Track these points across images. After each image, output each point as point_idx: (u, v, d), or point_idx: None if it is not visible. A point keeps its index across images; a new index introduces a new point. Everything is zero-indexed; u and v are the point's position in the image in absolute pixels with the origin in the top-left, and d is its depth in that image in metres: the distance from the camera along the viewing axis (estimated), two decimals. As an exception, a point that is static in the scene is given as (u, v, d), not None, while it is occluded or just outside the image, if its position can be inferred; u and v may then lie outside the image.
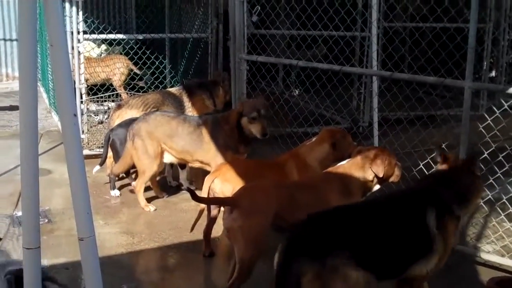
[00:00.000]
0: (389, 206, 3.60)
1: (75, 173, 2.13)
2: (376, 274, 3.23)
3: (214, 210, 4.80)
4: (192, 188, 6.02)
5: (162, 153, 5.86)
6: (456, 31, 6.41)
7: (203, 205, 4.81)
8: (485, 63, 9.42)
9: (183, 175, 6.58)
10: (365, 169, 4.30)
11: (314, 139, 5.12)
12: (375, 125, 6.72)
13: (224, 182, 4.77)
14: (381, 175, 4.24)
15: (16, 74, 11.46)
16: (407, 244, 3.41)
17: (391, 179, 4.38)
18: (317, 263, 3.09)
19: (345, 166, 4.42)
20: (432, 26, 7.89)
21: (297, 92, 8.89)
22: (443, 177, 3.74)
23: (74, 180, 2.12)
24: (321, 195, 4.24)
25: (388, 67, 6.44)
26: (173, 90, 7.39)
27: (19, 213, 5.87)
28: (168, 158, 5.95)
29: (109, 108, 8.63)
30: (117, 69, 9.19)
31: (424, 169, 5.03)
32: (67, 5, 7.19)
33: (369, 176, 4.29)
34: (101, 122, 8.33)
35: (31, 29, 2.08)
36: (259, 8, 6.83)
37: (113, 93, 8.73)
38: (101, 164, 6.33)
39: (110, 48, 10.06)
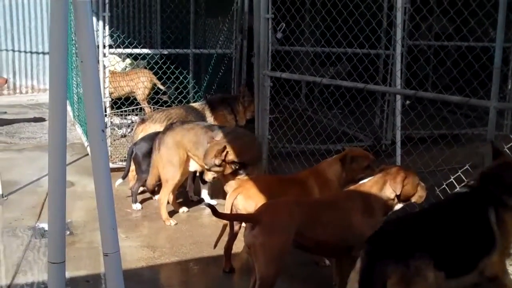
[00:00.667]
0: (455, 208, 3.78)
1: (102, 189, 2.14)
2: (447, 273, 3.41)
3: (235, 226, 4.81)
4: (214, 203, 6.04)
5: (187, 161, 5.92)
6: (481, 51, 6.37)
7: (225, 221, 4.81)
8: (510, 82, 9.33)
9: (204, 190, 6.59)
10: (385, 187, 4.28)
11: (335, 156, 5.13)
12: (398, 144, 6.68)
13: (247, 199, 4.78)
14: (398, 192, 4.21)
15: (41, 86, 11.63)
16: (475, 241, 3.61)
17: (413, 199, 4.35)
18: (401, 265, 3.25)
19: (366, 184, 4.39)
20: (457, 45, 7.84)
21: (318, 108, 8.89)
22: (495, 173, 3.89)
23: (100, 196, 2.13)
24: (342, 213, 4.23)
25: (412, 85, 6.42)
26: (196, 105, 7.42)
27: (42, 225, 5.92)
28: (194, 166, 6.01)
29: (132, 122, 8.69)
30: (141, 83, 9.26)
31: (448, 189, 4.99)
32: (93, 19, 7.27)
33: (390, 194, 4.26)
34: (124, 136, 8.39)
35: (62, 43, 2.10)
36: (284, 25, 6.85)
37: (137, 107, 8.80)
38: (124, 177, 6.37)
39: (135, 63, 10.15)
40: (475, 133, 7.98)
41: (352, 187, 4.62)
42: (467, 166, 4.92)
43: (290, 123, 6.60)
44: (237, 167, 5.52)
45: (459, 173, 4.75)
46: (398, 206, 4.35)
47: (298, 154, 6.54)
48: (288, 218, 4.05)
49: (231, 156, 5.42)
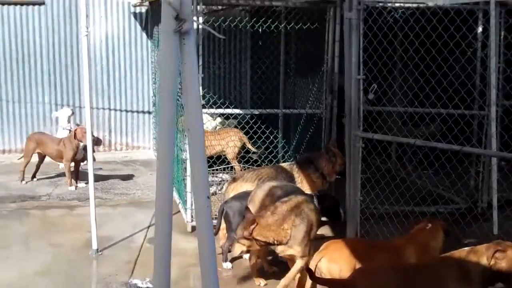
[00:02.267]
0: None
1: (206, 254, 2.16)
2: None
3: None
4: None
5: None
6: None
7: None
8: None
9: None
10: (486, 258, 4.11)
11: (430, 224, 5.00)
12: (495, 208, 6.43)
13: (331, 262, 4.71)
14: (489, 262, 4.03)
15: (135, 144, 12.03)
16: None
17: None
18: None
19: (465, 251, 4.25)
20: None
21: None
22: None
23: (204, 263, 2.15)
24: (439, 280, 4.10)
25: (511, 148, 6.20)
26: (285, 165, 7.46)
27: (135, 281, 6.03)
28: None
29: (222, 180, 8.80)
30: (232, 142, 9.41)
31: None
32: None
33: (493, 267, 4.08)
34: (214, 194, 8.49)
35: (171, 106, 2.17)
36: (376, 86, 6.83)
37: (227, 165, 8.92)
38: (214, 235, 6.40)
39: (226, 122, 10.35)
40: None
41: (448, 254, 4.48)
42: None
43: (382, 184, 6.49)
44: (262, 244, 5.32)
45: None
46: (499, 285, 4.17)
47: (392, 216, 6.40)
48: (385, 285, 3.95)
49: (256, 233, 5.23)
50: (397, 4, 7.08)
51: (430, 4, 6.80)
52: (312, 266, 4.73)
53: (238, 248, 5.39)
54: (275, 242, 5.27)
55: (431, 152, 6.57)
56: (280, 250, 5.39)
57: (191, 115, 2.17)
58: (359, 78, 6.25)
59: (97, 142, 9.25)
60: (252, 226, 5.18)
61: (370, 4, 6.47)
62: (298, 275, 5.42)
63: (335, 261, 4.69)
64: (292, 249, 5.33)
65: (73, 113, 10.89)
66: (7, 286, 5.99)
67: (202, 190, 2.15)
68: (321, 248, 5.10)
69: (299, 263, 5.37)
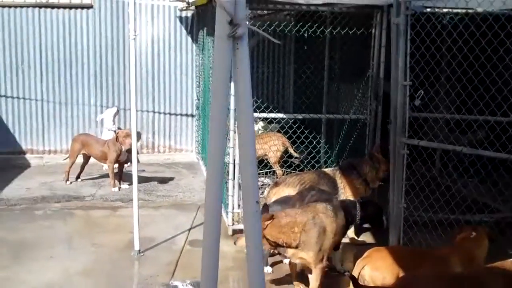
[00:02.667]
0: None
1: (254, 258, 2.15)
2: None
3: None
4: (343, 270, 5.94)
5: None
6: None
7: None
8: None
9: (336, 257, 6.49)
10: None
11: (475, 232, 4.91)
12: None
13: (374, 271, 4.66)
14: None
15: (177, 146, 12.11)
16: None
17: None
18: None
19: (510, 262, 4.16)
20: None
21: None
22: None
23: (252, 266, 2.14)
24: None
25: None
26: (328, 170, 7.42)
27: (176, 283, 6.07)
28: None
29: (263, 184, 8.81)
30: (274, 147, 9.41)
31: None
32: (232, 84, 7.50)
33: None
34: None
35: (222, 109, 2.17)
36: (422, 92, 6.74)
37: (270, 170, 8.92)
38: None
39: (269, 126, 10.35)
40: None
41: (494, 264, 4.41)
42: None
43: (427, 192, 6.40)
44: (272, 244, 5.33)
45: None
46: None
47: (436, 224, 6.30)
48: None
49: (267, 231, 5.24)
50: (445, 10, 6.98)
51: (479, 9, 6.68)
52: (355, 273, 4.69)
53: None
54: (285, 244, 5.29)
55: (478, 160, 6.45)
56: (291, 253, 5.41)
57: (243, 120, 2.17)
58: (405, 84, 6.19)
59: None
60: (267, 223, 5.21)
61: (418, 10, 6.39)
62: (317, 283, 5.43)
63: (379, 269, 4.64)
64: (303, 253, 5.34)
65: (118, 111, 11.05)
66: (50, 285, 6.10)
67: (251, 194, 2.14)
68: (364, 255, 5.05)
69: (315, 273, 5.40)
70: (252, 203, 2.13)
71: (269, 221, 5.23)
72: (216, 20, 2.14)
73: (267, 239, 5.24)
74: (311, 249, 5.32)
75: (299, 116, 8.43)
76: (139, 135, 9.66)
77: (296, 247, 5.31)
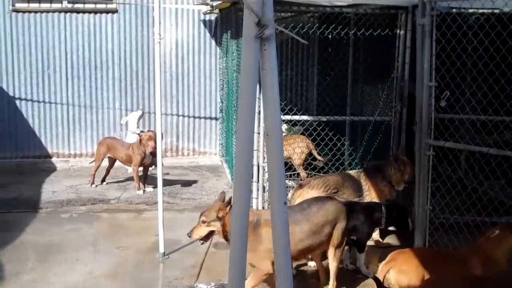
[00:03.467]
0: None
1: (282, 259, 2.14)
2: None
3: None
4: (368, 272, 5.91)
5: None
6: None
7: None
8: None
9: (361, 260, 6.46)
10: None
11: (497, 232, 4.85)
12: None
13: (400, 274, 4.63)
14: None
15: (201, 149, 12.15)
16: None
17: None
18: None
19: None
20: None
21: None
22: None
23: (279, 266, 2.14)
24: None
25: None
26: (353, 172, 7.38)
27: (200, 285, 6.09)
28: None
29: (287, 187, 8.79)
30: (298, 149, 9.39)
31: None
32: (256, 86, 7.51)
33: None
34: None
35: (250, 111, 2.17)
36: (448, 93, 6.67)
37: (293, 172, 8.90)
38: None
39: (293, 129, 10.34)
40: None
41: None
42: None
43: (453, 193, 6.33)
44: (227, 233, 5.28)
45: None
46: None
47: (462, 226, 6.24)
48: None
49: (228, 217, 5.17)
50: (471, 10, 6.92)
51: (506, 9, 6.61)
52: (380, 276, 4.66)
53: (202, 231, 5.43)
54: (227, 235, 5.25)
55: (504, 161, 6.37)
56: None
57: (270, 120, 2.17)
58: (431, 85, 6.14)
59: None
60: (226, 207, 5.23)
61: (443, 10, 6.34)
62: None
63: (404, 272, 4.61)
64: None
65: (143, 114, 11.10)
66: (76, 287, 6.15)
67: (279, 196, 2.14)
68: (388, 258, 5.02)
69: (255, 273, 5.28)
70: (280, 204, 2.13)
71: (228, 207, 5.25)
72: (244, 21, 2.15)
73: (225, 226, 5.26)
74: (253, 252, 5.12)
75: (323, 118, 8.40)
76: (161, 136, 9.70)
77: None
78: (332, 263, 5.59)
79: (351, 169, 8.36)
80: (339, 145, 8.47)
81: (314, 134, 8.38)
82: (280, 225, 2.13)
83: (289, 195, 7.60)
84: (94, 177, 9.99)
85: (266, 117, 2.17)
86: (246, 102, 2.15)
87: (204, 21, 11.93)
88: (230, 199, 5.21)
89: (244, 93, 2.17)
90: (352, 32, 8.68)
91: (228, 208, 5.21)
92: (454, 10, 6.64)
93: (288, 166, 9.03)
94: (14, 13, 11.35)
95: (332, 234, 5.54)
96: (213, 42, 12.00)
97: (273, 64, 2.18)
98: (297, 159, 9.40)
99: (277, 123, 2.16)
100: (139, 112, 11.04)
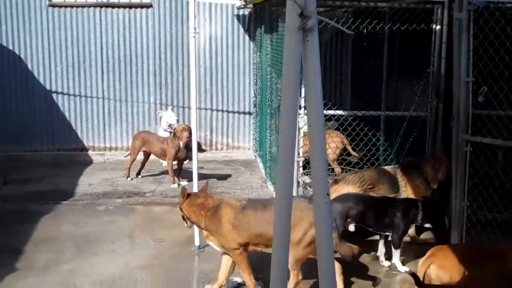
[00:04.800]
0: None
1: (324, 248, 2.15)
2: None
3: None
4: (406, 270, 5.86)
5: None
6: None
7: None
8: None
9: (396, 256, 6.42)
10: None
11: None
12: None
13: (441, 269, 4.60)
14: None
15: (235, 144, 12.19)
16: None
17: None
18: None
19: None
20: None
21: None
22: None
23: (322, 254, 2.14)
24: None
25: None
26: (389, 168, 7.34)
27: (235, 278, 6.11)
28: None
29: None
30: (333, 144, 9.36)
31: None
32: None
33: None
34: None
35: (293, 103, 2.17)
36: (486, 88, 6.58)
37: (329, 167, 8.86)
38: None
39: (328, 124, 10.29)
40: None
41: None
42: None
43: (491, 190, 6.25)
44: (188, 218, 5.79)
45: None
46: None
47: (500, 224, 6.15)
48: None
49: (184, 206, 5.73)
50: (509, 4, 6.80)
51: (546, 3, 6.49)
52: (420, 272, 4.63)
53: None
54: (196, 223, 5.76)
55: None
56: (205, 234, 5.78)
57: (313, 112, 2.17)
58: (468, 81, 6.07)
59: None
60: (182, 199, 5.71)
61: (480, 5, 6.25)
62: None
63: (445, 267, 4.57)
64: (212, 237, 5.69)
65: (177, 121, 11.03)
66: (112, 279, 6.23)
67: (322, 187, 2.14)
68: (428, 254, 4.98)
69: (234, 260, 5.72)
70: (322, 195, 2.14)
71: (183, 198, 5.70)
72: (286, 12, 2.15)
73: (183, 214, 5.75)
74: (217, 236, 5.61)
75: (359, 113, 8.35)
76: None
77: (205, 229, 5.71)
78: None
79: (386, 165, 8.30)
80: (374, 140, 8.41)
81: (349, 129, 8.33)
82: (323, 215, 2.13)
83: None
84: (129, 171, 10.10)
85: (309, 109, 2.17)
86: (289, 94, 2.16)
87: (238, 16, 11.96)
88: (184, 193, 5.75)
89: (287, 85, 2.17)
90: (388, 27, 8.61)
91: (184, 199, 5.72)
92: (491, 5, 6.54)
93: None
94: (50, 8, 11.53)
95: None
96: (247, 37, 12.01)
97: (316, 55, 2.18)
98: (331, 154, 9.37)
99: (319, 115, 2.16)
100: (173, 121, 10.91)
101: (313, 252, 5.33)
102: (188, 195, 5.74)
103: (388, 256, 6.52)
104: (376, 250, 6.60)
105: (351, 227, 6.38)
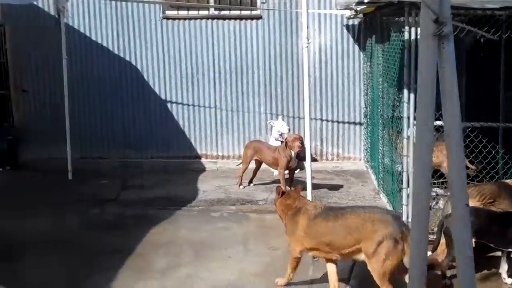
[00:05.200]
0: None
1: (464, 261, 2.11)
2: None
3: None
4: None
5: None
6: None
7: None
8: None
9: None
10: None
11: None
12: None
13: None
14: None
15: (345, 154, 12.11)
16: None
17: None
18: None
19: None
20: None
21: None
22: None
23: (462, 269, 2.10)
24: None
25: None
26: (510, 181, 7.04)
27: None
28: None
29: (437, 195, 8.54)
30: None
31: None
32: (405, 91, 7.39)
33: None
34: (430, 208, 8.25)
35: (429, 111, 2.15)
36: None
37: (445, 179, 8.60)
38: (433, 250, 6.24)
39: (436, 134, 10.01)
40: None
41: None
42: None
43: None
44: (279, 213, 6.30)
45: None
46: None
47: None
48: None
49: (277, 202, 6.28)
50: None
51: None
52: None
53: None
54: (282, 219, 6.21)
55: None
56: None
57: (449, 122, 2.15)
58: None
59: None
60: (277, 196, 6.20)
61: None
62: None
63: None
64: (288, 236, 6.14)
65: (289, 131, 11.11)
66: (228, 285, 6.35)
67: (461, 197, 2.11)
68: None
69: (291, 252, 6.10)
70: (462, 205, 2.10)
71: (278, 196, 6.19)
72: (421, 19, 2.15)
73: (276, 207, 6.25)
74: (290, 236, 6.08)
75: (477, 124, 8.06)
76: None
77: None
78: None
79: (506, 178, 7.96)
80: (493, 152, 8.09)
81: (467, 141, 8.05)
82: (461, 228, 2.09)
83: (440, 203, 7.39)
84: (242, 179, 10.28)
85: (446, 119, 2.14)
86: (425, 100, 2.14)
87: (348, 26, 11.91)
88: (279, 192, 6.24)
89: (422, 92, 2.15)
90: (506, 35, 8.28)
91: (278, 197, 6.21)
92: None
93: (439, 174, 8.76)
94: (164, 20, 11.99)
95: None
96: (357, 47, 11.94)
97: (452, 62, 2.16)
98: (445, 167, 9.09)
99: (457, 123, 2.13)
100: (285, 130, 11.01)
101: (396, 265, 5.38)
102: (283, 193, 6.18)
103: (511, 273, 6.25)
104: (497, 266, 6.34)
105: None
